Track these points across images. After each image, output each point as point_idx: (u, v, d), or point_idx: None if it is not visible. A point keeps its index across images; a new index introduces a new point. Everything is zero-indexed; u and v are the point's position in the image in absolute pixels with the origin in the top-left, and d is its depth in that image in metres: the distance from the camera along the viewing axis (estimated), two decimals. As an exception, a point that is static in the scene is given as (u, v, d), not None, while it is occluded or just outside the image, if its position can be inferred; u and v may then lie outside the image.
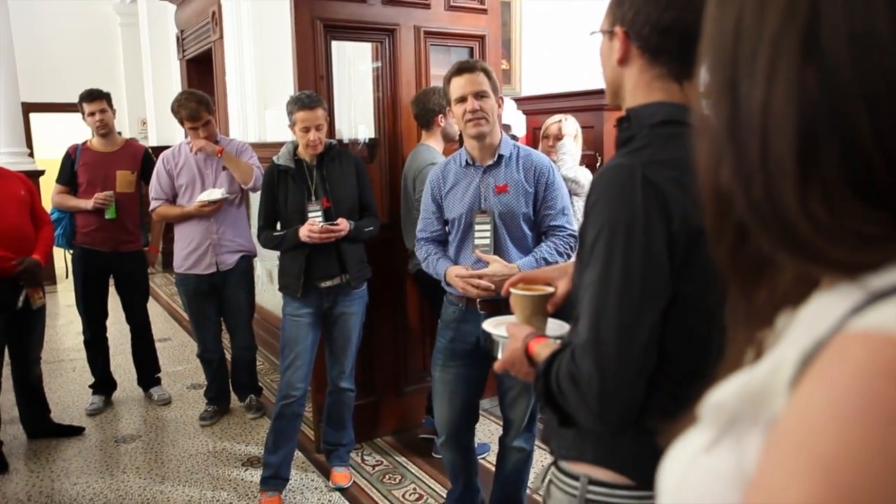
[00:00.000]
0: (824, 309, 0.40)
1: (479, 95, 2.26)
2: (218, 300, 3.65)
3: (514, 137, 2.79)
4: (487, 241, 2.33)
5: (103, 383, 4.02)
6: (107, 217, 3.75)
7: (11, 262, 3.09)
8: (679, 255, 1.01)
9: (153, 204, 3.60)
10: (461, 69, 2.30)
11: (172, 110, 3.52)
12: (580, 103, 4.05)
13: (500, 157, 2.33)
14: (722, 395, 0.45)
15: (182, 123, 3.50)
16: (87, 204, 3.71)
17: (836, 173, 0.39)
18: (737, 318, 0.50)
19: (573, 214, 3.02)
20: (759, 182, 0.41)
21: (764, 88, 0.40)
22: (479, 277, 2.25)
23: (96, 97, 3.80)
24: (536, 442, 2.56)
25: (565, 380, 1.03)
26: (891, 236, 0.38)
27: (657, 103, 1.08)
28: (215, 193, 3.46)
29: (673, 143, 1.06)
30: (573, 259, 2.10)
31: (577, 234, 2.26)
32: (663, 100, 1.08)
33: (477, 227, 2.35)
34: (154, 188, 3.58)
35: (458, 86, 2.28)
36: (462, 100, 2.27)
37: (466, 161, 2.38)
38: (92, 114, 3.78)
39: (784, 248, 0.42)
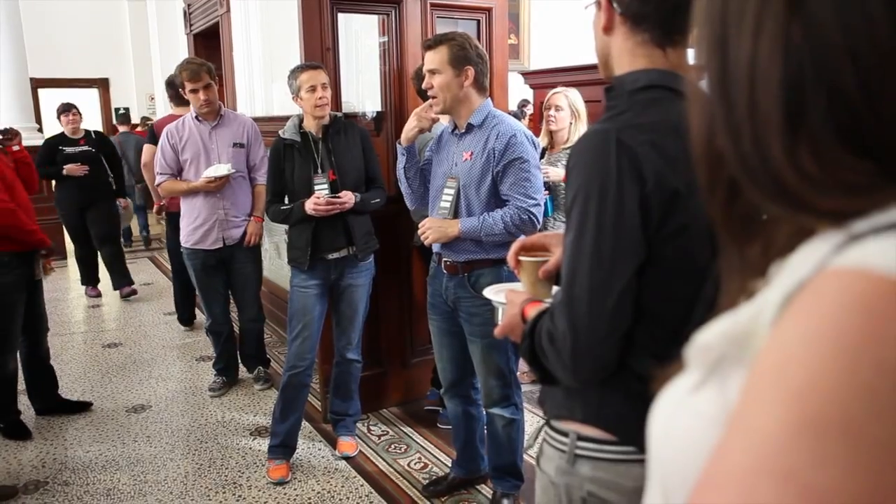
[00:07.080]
0: (808, 252, 0.42)
1: (432, 73, 2.31)
2: (225, 273, 3.68)
3: (521, 113, 2.79)
4: (447, 206, 2.40)
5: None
6: None
7: (39, 234, 3.14)
8: (654, 217, 1.04)
9: (158, 179, 3.60)
10: (426, 46, 2.36)
11: (175, 79, 3.50)
12: (588, 77, 4.02)
13: (470, 125, 2.36)
14: (708, 337, 0.47)
15: (183, 91, 3.48)
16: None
17: (823, 124, 0.40)
18: (731, 269, 0.51)
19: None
20: (747, 135, 0.43)
21: (751, 41, 0.41)
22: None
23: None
24: (527, 406, 2.59)
25: (545, 338, 1.09)
26: (876, 185, 0.40)
27: (640, 70, 1.11)
28: (221, 169, 3.45)
29: (652, 108, 1.08)
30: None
31: (529, 208, 2.29)
32: (646, 66, 1.11)
33: (444, 192, 2.43)
34: (159, 163, 3.57)
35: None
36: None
37: (452, 127, 2.47)
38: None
39: (774, 200, 0.43)
